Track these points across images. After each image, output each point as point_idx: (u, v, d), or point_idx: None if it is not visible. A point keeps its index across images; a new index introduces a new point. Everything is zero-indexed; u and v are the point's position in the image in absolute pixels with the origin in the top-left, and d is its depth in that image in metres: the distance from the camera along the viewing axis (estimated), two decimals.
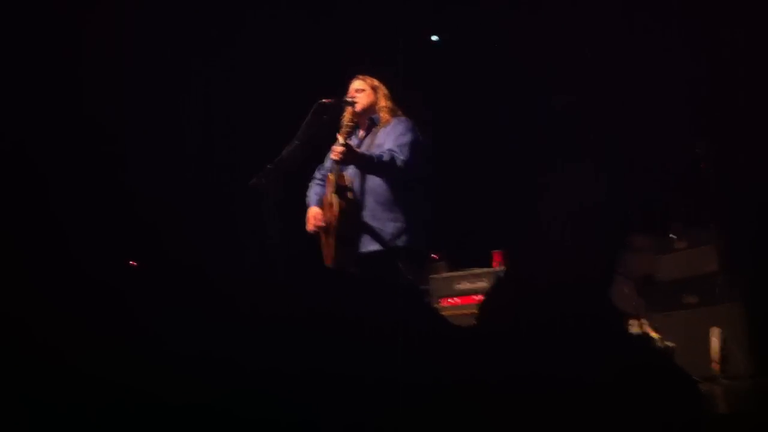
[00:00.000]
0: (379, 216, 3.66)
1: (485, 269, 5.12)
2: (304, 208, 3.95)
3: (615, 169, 5.52)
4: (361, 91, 3.83)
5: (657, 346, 4.22)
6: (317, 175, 3.99)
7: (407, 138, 3.67)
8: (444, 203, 5.13)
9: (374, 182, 3.69)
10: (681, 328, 4.28)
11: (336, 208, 3.63)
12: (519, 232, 5.71)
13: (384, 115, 3.80)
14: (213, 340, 2.14)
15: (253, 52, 5.93)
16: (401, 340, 2.20)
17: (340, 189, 3.66)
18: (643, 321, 4.65)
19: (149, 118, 5.78)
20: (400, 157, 3.59)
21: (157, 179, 5.63)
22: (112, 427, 1.84)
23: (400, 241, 3.64)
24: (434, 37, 6.70)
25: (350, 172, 3.73)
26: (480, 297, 4.76)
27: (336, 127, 3.75)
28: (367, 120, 3.86)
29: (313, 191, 3.94)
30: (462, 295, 5.13)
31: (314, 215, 3.81)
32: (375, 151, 3.67)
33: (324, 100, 3.70)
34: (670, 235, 4.61)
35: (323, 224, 3.75)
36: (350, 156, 3.59)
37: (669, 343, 4.23)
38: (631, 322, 4.80)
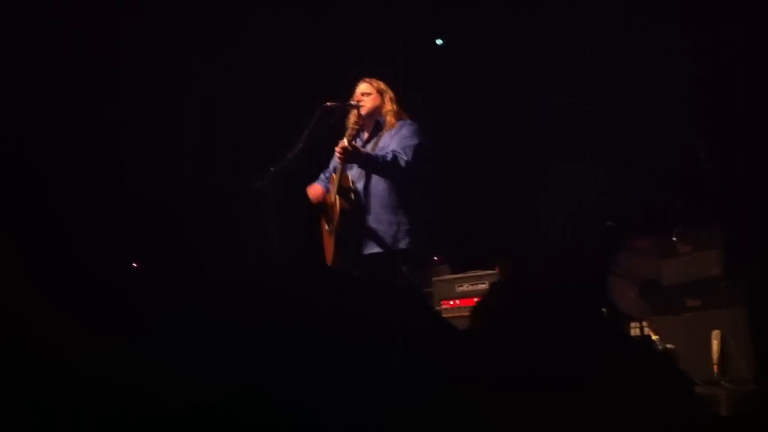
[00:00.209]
0: (382, 218, 3.65)
1: (487, 272, 5.12)
2: (305, 209, 3.94)
3: (615, 170, 5.52)
4: (367, 94, 3.83)
5: (658, 349, 4.21)
6: (322, 176, 3.99)
7: (412, 141, 3.67)
8: (446, 206, 5.12)
9: (377, 184, 3.69)
10: (683, 331, 4.27)
11: (338, 208, 3.63)
12: (519, 232, 5.70)
13: (390, 118, 3.80)
14: (213, 341, 2.13)
15: (253, 52, 5.92)
16: (401, 341, 2.19)
17: (343, 190, 3.66)
18: (646, 323, 4.64)
19: (149, 119, 5.78)
20: (404, 158, 3.59)
21: (157, 179, 5.63)
22: (113, 427, 1.82)
23: (402, 243, 3.63)
24: (439, 41, 6.69)
25: (353, 174, 3.73)
26: None
27: (340, 130, 3.74)
28: (373, 123, 3.86)
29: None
30: (463, 297, 5.13)
31: (313, 189, 3.87)
32: (379, 153, 3.66)
33: (328, 103, 3.70)
34: (674, 239, 4.60)
35: (321, 195, 3.76)
36: (353, 155, 3.59)
37: (670, 346, 4.22)
38: (633, 324, 4.80)
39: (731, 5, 4.77)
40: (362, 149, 3.68)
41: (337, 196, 3.65)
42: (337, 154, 3.62)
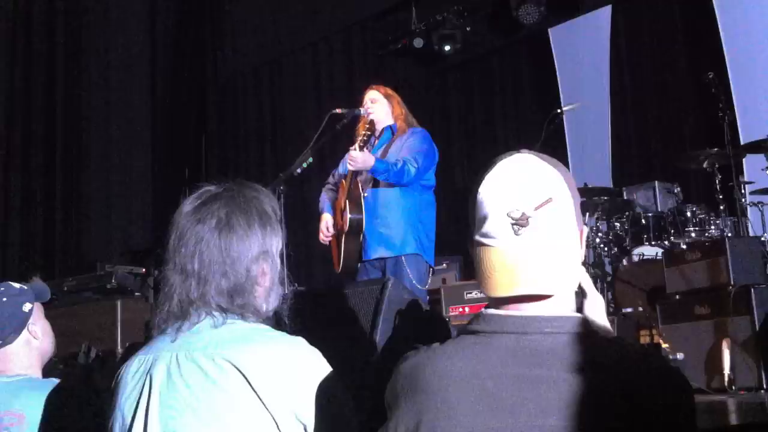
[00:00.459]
0: (390, 223, 3.67)
1: None
2: (314, 213, 3.96)
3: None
4: (375, 101, 3.86)
5: (667, 357, 4.20)
6: (330, 180, 4.02)
7: (422, 147, 3.70)
8: (455, 211, 5.13)
9: (387, 190, 3.71)
10: (692, 339, 4.25)
11: (347, 214, 3.65)
12: None
13: (400, 123, 3.83)
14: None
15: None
16: (406, 347, 2.20)
17: (353, 195, 3.68)
18: (654, 332, 4.62)
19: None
20: (414, 165, 3.62)
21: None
22: None
23: (410, 248, 3.65)
24: (447, 47, 6.71)
25: (363, 179, 3.75)
26: None
27: (349, 137, 3.77)
28: (383, 129, 3.88)
29: (326, 197, 3.96)
30: (472, 303, 5.13)
31: (326, 226, 3.85)
32: (390, 159, 3.69)
33: (337, 110, 3.73)
34: (682, 246, 4.58)
35: (332, 236, 3.78)
36: (364, 161, 3.61)
37: (680, 355, 4.20)
38: (643, 332, 4.78)
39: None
40: (372, 156, 3.71)
41: (347, 201, 3.67)
42: (348, 162, 3.65)
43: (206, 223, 1.54)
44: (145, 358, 1.54)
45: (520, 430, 1.19)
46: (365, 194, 3.72)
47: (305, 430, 1.46)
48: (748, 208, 4.92)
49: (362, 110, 3.83)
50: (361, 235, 3.67)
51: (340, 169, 3.94)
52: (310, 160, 3.68)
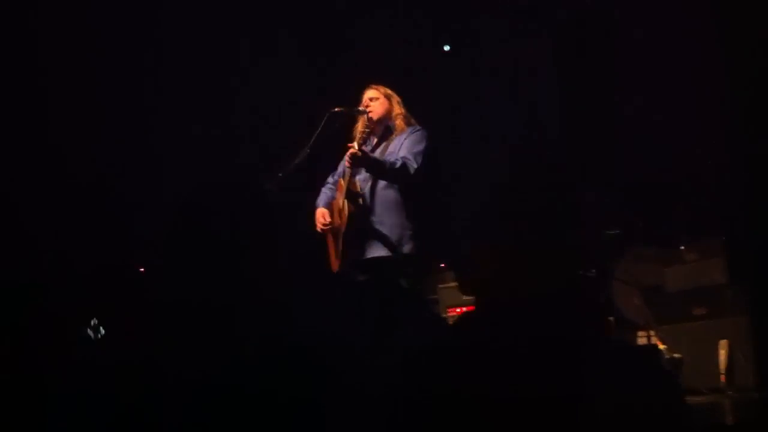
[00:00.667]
0: (388, 222, 3.67)
1: None
2: (312, 213, 3.96)
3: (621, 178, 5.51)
4: (375, 99, 3.86)
5: (665, 358, 4.20)
6: (329, 180, 4.02)
7: (421, 147, 3.70)
8: (453, 211, 5.12)
9: (384, 189, 3.71)
10: (689, 339, 4.26)
11: (345, 213, 3.65)
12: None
13: (399, 123, 3.83)
14: (213, 342, 2.14)
15: (257, 54, 5.96)
16: (404, 346, 2.20)
17: (351, 195, 3.68)
18: (652, 332, 4.63)
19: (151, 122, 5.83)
20: (414, 165, 3.63)
21: (162, 183, 5.66)
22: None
23: (407, 249, 3.65)
24: (446, 47, 6.72)
25: (361, 179, 3.75)
26: None
27: (348, 136, 3.77)
28: (382, 128, 3.88)
29: (323, 195, 3.97)
30: (470, 305, 5.12)
31: (322, 214, 3.85)
32: (389, 158, 3.69)
33: (336, 109, 3.74)
34: (680, 247, 4.59)
35: (329, 223, 3.77)
36: (362, 160, 3.62)
37: (677, 355, 4.21)
38: (640, 333, 4.79)
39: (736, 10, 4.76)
40: (371, 155, 3.71)
41: (345, 201, 3.67)
42: (346, 160, 3.65)
43: None
44: None
45: None
46: (363, 193, 3.72)
47: None
48: None
49: (361, 109, 3.83)
50: (359, 235, 3.67)
51: (339, 168, 3.94)
52: (309, 159, 3.69)
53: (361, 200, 3.71)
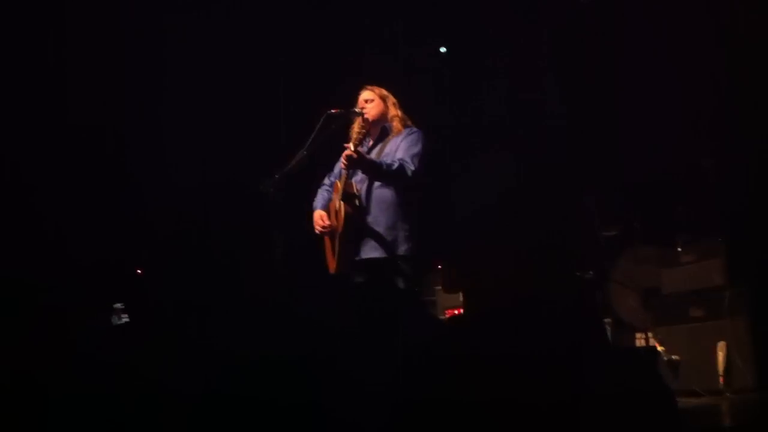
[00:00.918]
0: (384, 224, 3.67)
1: None
2: (310, 215, 3.96)
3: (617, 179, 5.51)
4: (370, 101, 3.86)
5: (663, 359, 4.20)
6: (326, 181, 4.02)
7: (418, 149, 3.70)
8: (451, 213, 5.12)
9: (381, 191, 3.71)
10: (687, 341, 4.25)
11: (342, 214, 3.65)
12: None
13: (396, 124, 3.83)
14: (213, 343, 2.14)
15: (257, 57, 5.96)
16: (401, 347, 2.20)
17: (348, 196, 3.68)
18: (650, 334, 4.63)
19: (152, 122, 5.83)
20: (411, 167, 3.63)
21: (163, 185, 5.66)
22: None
23: (404, 250, 3.65)
24: (442, 49, 6.72)
25: (358, 180, 3.75)
26: None
27: (345, 137, 3.77)
28: (378, 129, 3.88)
29: (320, 197, 3.96)
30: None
31: (320, 217, 3.84)
32: (385, 160, 3.69)
33: (332, 111, 3.73)
34: (677, 248, 4.58)
35: (328, 226, 3.77)
36: (359, 162, 3.61)
37: (675, 357, 4.20)
38: (638, 335, 4.78)
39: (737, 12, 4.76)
40: (368, 156, 3.70)
41: (342, 203, 3.67)
42: (342, 161, 3.65)
43: None
44: None
45: None
46: (360, 194, 3.72)
47: None
48: None
49: (357, 110, 3.82)
50: (356, 236, 3.66)
51: (335, 169, 3.93)
52: (306, 160, 3.68)
53: (357, 201, 3.70)
